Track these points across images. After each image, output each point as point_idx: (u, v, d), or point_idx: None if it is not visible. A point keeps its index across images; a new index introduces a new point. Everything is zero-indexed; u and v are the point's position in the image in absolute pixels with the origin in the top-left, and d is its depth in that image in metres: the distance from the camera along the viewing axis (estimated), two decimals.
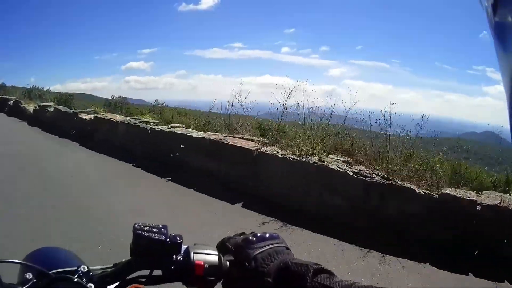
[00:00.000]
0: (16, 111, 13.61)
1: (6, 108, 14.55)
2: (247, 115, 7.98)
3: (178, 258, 0.69)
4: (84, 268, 0.73)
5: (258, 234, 0.70)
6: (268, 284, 0.63)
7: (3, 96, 16.28)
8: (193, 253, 0.69)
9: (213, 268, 0.68)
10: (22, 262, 0.79)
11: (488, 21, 0.42)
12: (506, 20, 0.38)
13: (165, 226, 0.70)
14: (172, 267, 0.68)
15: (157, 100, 12.49)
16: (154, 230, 0.68)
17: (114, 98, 14.89)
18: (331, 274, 0.61)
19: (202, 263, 0.67)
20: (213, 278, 0.69)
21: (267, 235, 0.70)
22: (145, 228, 0.68)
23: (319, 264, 0.62)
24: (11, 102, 14.75)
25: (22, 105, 13.76)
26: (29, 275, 0.71)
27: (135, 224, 0.69)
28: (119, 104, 13.82)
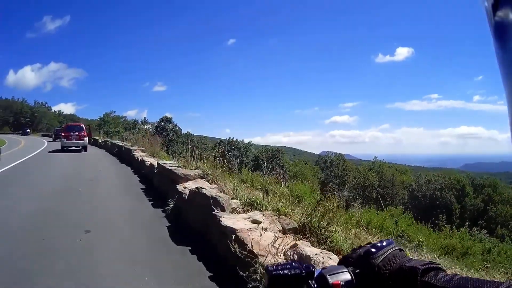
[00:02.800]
0: None
1: None
2: None
3: (314, 285, 0.70)
4: None
5: (378, 244, 0.75)
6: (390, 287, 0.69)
7: None
8: (328, 275, 0.71)
9: (348, 284, 0.71)
10: None
11: (488, 21, 0.44)
12: (506, 20, 0.40)
13: (294, 260, 0.74)
14: None
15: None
16: (287, 266, 0.71)
17: None
18: (439, 270, 0.65)
19: (339, 282, 0.70)
20: None
21: (384, 243, 0.76)
22: (279, 268, 0.70)
23: (430, 263, 0.67)
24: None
25: None
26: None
27: (267, 266, 0.72)
28: None
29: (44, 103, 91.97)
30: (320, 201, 4.75)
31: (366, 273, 0.72)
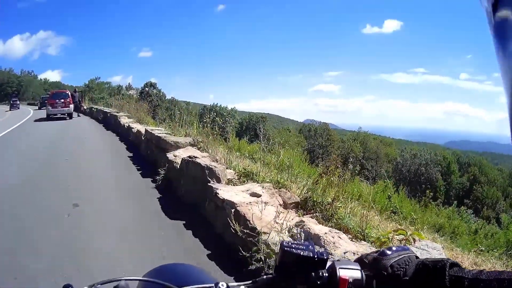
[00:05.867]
0: None
1: None
2: None
3: (323, 274, 0.71)
4: (223, 285, 0.74)
5: (393, 248, 0.74)
6: (405, 283, 0.67)
7: None
8: (339, 268, 0.70)
9: (356, 283, 0.70)
10: (149, 279, 0.84)
11: (488, 21, 0.44)
12: (506, 20, 0.40)
13: (311, 243, 0.73)
14: (318, 282, 0.70)
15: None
16: (302, 246, 0.71)
17: None
18: (461, 267, 0.64)
19: (347, 277, 0.69)
20: None
21: (400, 247, 0.74)
22: (293, 245, 0.71)
23: (450, 260, 0.65)
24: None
25: None
26: None
27: (283, 241, 0.72)
28: None
29: (30, 71, 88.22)
30: (323, 174, 4.47)
31: (377, 274, 0.70)
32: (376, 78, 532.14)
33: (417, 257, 0.73)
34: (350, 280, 0.69)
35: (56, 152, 10.01)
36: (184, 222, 4.46)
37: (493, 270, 0.60)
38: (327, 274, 0.71)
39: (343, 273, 0.69)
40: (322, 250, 0.73)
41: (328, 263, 0.72)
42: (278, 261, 0.71)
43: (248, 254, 3.15)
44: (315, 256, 0.70)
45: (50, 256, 3.45)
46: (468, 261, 4.05)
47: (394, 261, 0.70)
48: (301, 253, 0.69)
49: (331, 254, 2.93)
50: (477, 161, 45.50)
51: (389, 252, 0.72)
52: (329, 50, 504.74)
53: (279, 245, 0.72)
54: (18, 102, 41.61)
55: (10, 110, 36.07)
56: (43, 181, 6.54)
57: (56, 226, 4.28)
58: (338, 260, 0.73)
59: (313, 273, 0.70)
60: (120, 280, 0.73)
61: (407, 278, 0.67)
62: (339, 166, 4.62)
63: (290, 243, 0.71)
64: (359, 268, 0.72)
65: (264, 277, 0.74)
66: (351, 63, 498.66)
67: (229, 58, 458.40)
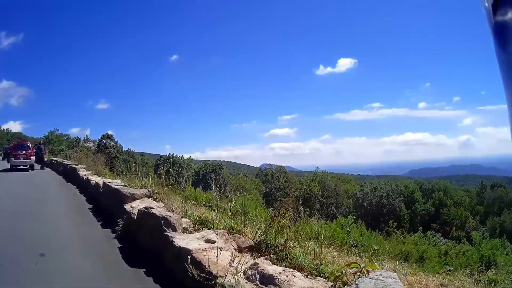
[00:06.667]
0: None
1: None
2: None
3: None
4: None
5: None
6: None
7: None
8: None
9: None
10: None
11: (488, 21, 0.44)
12: (506, 20, 0.40)
13: None
14: None
15: None
16: None
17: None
18: None
19: None
20: None
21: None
22: None
23: None
24: None
25: None
26: None
27: None
28: None
29: None
30: (274, 218, 4.64)
31: None
32: (331, 118, 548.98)
33: None
34: None
35: (22, 201, 10.20)
36: (144, 270, 4.48)
37: None
38: None
39: None
40: None
41: None
42: None
43: None
44: None
45: None
46: (434, 283, 4.14)
47: None
48: None
49: None
50: (441, 185, 47.00)
51: None
52: (283, 93, 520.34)
53: None
54: None
55: None
56: (10, 230, 6.60)
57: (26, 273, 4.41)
58: None
59: None
60: None
61: None
62: (289, 208, 4.77)
63: None
64: None
65: None
66: (305, 105, 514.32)
67: (183, 107, 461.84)
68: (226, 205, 6.43)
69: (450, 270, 6.00)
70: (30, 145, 23.22)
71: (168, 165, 14.53)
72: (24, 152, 21.63)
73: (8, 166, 21.96)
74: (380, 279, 3.06)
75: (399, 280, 3.09)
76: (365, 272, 3.28)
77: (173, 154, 41.58)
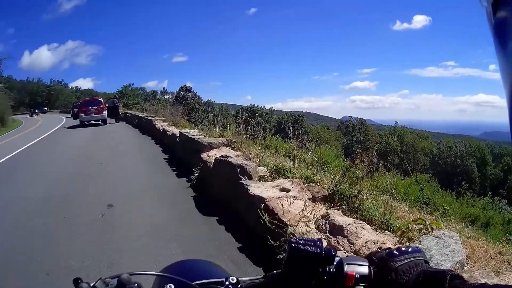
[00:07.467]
0: None
1: None
2: None
3: (331, 270, 0.72)
4: (233, 280, 0.77)
5: (402, 248, 0.73)
6: None
7: None
8: (346, 264, 0.72)
9: (363, 279, 0.71)
10: (162, 274, 0.85)
11: (488, 20, 0.44)
12: (506, 20, 0.40)
13: (320, 240, 0.73)
14: (325, 277, 0.71)
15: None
16: (310, 243, 0.71)
17: None
18: (463, 279, 0.62)
19: (354, 273, 0.70)
20: (363, 285, 0.71)
21: (410, 249, 0.73)
22: (301, 242, 0.71)
23: (453, 271, 0.64)
24: None
25: None
26: (170, 286, 0.76)
27: (291, 238, 0.74)
28: None
29: (60, 80, 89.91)
30: (349, 168, 4.59)
31: (383, 274, 0.71)
32: (408, 73, 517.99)
33: (426, 262, 0.73)
34: (357, 276, 0.71)
35: (95, 154, 10.85)
36: (217, 218, 4.66)
37: (496, 284, 0.63)
38: (334, 270, 0.72)
39: (350, 269, 0.71)
40: (329, 247, 0.75)
41: (337, 259, 0.74)
42: (287, 257, 0.71)
43: (276, 244, 3.32)
44: (323, 252, 0.71)
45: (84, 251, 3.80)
46: (493, 250, 4.07)
47: (400, 265, 0.70)
48: (308, 249, 0.70)
49: (353, 244, 3.15)
50: (510, 151, 43.65)
51: (397, 253, 0.72)
52: (362, 48, 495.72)
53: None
54: (36, 111, 49.82)
55: (30, 116, 44.25)
56: (80, 183, 7.10)
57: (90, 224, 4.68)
58: (346, 257, 0.75)
59: (320, 269, 0.72)
60: (133, 274, 0.73)
61: None
62: (364, 160, 4.75)
63: (298, 240, 0.72)
64: (367, 264, 0.73)
65: (274, 272, 0.75)
66: (384, 59, 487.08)
67: (264, 59, 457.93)
68: (304, 155, 6.39)
69: (510, 240, 5.76)
70: (102, 100, 23.68)
71: (246, 114, 14.42)
72: (95, 107, 22.23)
73: (78, 122, 22.68)
74: (442, 238, 3.06)
75: (460, 242, 3.07)
76: (430, 230, 3.28)
77: (254, 104, 42.35)
